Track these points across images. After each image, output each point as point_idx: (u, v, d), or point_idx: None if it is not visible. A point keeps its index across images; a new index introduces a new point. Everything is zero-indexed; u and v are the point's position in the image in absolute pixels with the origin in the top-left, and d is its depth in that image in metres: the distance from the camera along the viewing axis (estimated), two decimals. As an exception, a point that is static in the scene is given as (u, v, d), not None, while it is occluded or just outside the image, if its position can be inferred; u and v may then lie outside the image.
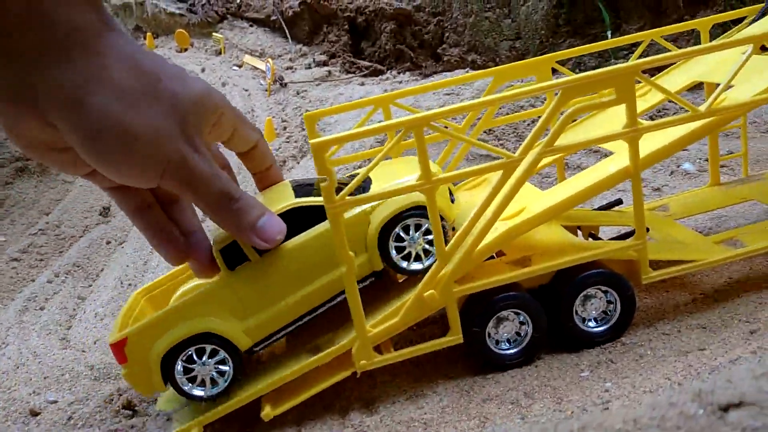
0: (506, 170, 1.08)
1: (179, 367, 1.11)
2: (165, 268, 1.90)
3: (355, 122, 1.80)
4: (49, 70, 0.81)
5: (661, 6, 2.89)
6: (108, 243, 2.20)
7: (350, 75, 3.03)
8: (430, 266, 1.12)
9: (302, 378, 1.15)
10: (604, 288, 1.20)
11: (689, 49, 1.14)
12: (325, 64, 3.15)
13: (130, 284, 1.87)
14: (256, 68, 3.22)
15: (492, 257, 1.23)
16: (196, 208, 1.08)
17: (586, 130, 1.47)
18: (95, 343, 1.58)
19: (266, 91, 2.95)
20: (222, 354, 1.12)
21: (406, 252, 1.14)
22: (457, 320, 1.14)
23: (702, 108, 1.11)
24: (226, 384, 1.14)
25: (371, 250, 1.14)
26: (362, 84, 2.85)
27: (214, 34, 3.61)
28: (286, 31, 3.42)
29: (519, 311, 1.17)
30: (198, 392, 1.13)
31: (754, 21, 1.50)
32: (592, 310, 1.19)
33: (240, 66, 3.38)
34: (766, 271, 1.31)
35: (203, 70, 3.32)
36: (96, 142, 0.84)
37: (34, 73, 0.81)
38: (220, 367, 1.13)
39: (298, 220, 1.11)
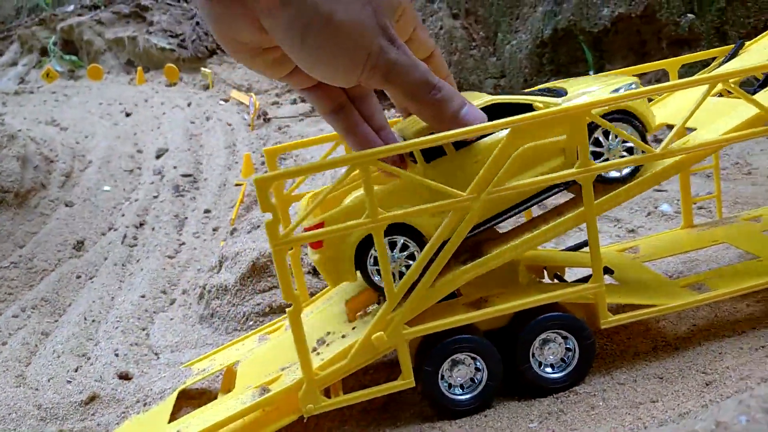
0: (457, 210, 1.05)
1: (371, 257, 1.11)
2: (130, 303, 1.86)
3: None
4: None
5: (645, 47, 2.91)
6: (78, 277, 2.17)
7: (334, 111, 3.04)
8: (626, 176, 1.12)
9: (250, 421, 1.11)
10: (563, 333, 1.17)
11: (646, 88, 1.12)
12: (310, 99, 3.16)
13: (93, 320, 1.83)
14: (242, 103, 3.23)
15: (452, 296, 1.20)
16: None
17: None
18: (49, 380, 1.54)
19: (249, 125, 2.95)
20: (412, 248, 1.11)
21: (602, 159, 1.11)
22: (408, 363, 1.10)
23: (658, 149, 1.09)
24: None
25: (569, 153, 1.10)
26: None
27: (202, 69, 3.64)
28: (274, 67, 3.45)
29: (474, 355, 1.14)
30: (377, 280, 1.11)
31: (723, 62, 1.49)
32: (549, 355, 1.16)
33: (226, 100, 3.40)
34: (730, 318, 1.28)
35: (189, 104, 3.34)
36: (306, 37, 0.86)
37: None
38: (410, 262, 1.11)
39: (495, 117, 1.06)
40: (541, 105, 1.12)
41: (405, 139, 1.11)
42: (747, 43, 1.52)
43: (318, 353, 1.16)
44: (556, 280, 1.39)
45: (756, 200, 1.93)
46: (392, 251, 1.10)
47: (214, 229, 2.21)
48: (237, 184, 2.38)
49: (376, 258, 1.09)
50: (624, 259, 1.46)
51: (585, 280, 1.35)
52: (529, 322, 1.15)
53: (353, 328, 1.18)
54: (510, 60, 3.02)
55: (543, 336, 1.16)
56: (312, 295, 1.48)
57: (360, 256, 1.11)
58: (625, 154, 1.12)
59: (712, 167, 1.60)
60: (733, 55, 1.47)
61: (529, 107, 1.12)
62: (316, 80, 0.99)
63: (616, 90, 1.15)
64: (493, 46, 3.12)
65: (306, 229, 1.10)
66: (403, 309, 1.08)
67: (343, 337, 1.16)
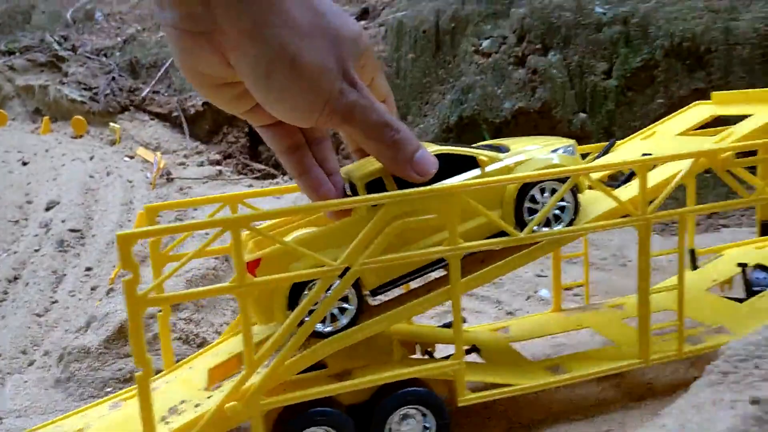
0: (324, 279, 1.06)
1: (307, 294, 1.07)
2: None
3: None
4: (232, 2, 0.83)
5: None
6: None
7: (241, 176, 3.03)
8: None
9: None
10: (423, 410, 1.17)
11: (507, 176, 1.17)
12: (218, 163, 3.15)
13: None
14: (148, 161, 3.18)
15: (321, 367, 1.18)
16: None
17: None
18: None
19: (151, 184, 2.89)
20: (347, 291, 1.09)
21: (537, 214, 1.15)
22: (261, 436, 1.07)
23: (522, 234, 1.14)
24: (346, 323, 1.11)
25: (507, 206, 1.17)
26: (250, 186, 2.85)
27: (111, 123, 3.57)
28: (185, 128, 3.43)
29: (330, 430, 1.12)
30: (317, 327, 1.09)
31: (597, 158, 1.60)
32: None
33: (132, 157, 3.33)
34: (584, 402, 1.33)
35: (92, 158, 3.24)
36: (270, 75, 0.87)
37: (218, 6, 0.83)
38: (344, 304, 1.10)
39: (445, 166, 1.10)
40: (484, 158, 1.17)
41: (351, 182, 1.14)
42: (618, 142, 1.64)
43: (167, 422, 1.10)
44: (426, 356, 1.41)
45: (626, 290, 2.03)
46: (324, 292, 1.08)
47: (93, 288, 2.11)
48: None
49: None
50: (493, 338, 1.49)
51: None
52: (388, 396, 1.15)
53: (208, 397, 1.14)
54: (425, 131, 3.14)
55: (402, 411, 1.16)
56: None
57: (294, 296, 1.10)
58: (557, 212, 1.18)
59: (582, 255, 1.69)
60: (605, 152, 1.59)
61: (473, 159, 1.17)
62: (275, 118, 1.00)
63: (555, 150, 1.22)
64: (406, 120, 3.24)
65: (248, 264, 1.08)
66: (260, 379, 1.05)
67: (197, 406, 1.12)
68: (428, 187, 1.09)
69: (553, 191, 1.17)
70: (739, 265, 1.58)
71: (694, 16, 2.74)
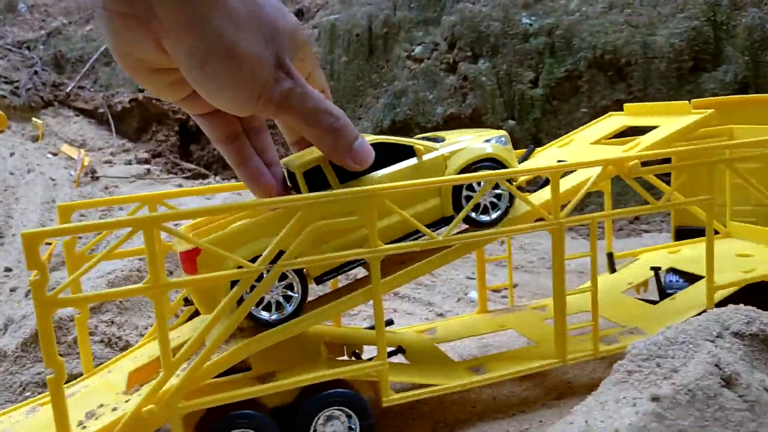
0: (244, 280, 1.05)
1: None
2: None
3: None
4: None
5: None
6: None
7: (170, 175, 2.97)
8: (495, 220, 1.21)
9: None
10: (347, 411, 1.18)
11: (406, 182, 1.20)
12: (146, 161, 3.07)
13: None
14: (72, 158, 3.07)
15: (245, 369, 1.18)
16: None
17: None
18: None
19: (74, 182, 2.79)
20: (290, 278, 1.11)
21: (475, 203, 1.18)
22: (181, 440, 1.05)
23: (440, 236, 1.17)
24: (291, 310, 1.12)
25: (445, 194, 1.19)
26: (179, 185, 2.80)
27: (34, 119, 3.43)
28: (112, 125, 3.33)
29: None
30: (263, 315, 1.11)
31: (519, 163, 1.65)
32: (330, 432, 1.16)
33: (56, 154, 3.21)
34: (507, 401, 1.37)
35: (12, 155, 3.11)
36: (206, 63, 0.87)
37: None
38: (288, 292, 1.11)
39: (382, 156, 1.13)
40: (421, 147, 1.19)
41: (290, 171, 1.15)
42: (537, 149, 1.70)
43: (84, 427, 1.08)
44: (353, 358, 1.42)
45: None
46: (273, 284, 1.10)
47: (12, 290, 2.02)
48: (47, 243, 2.21)
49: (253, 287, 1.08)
50: (419, 339, 1.52)
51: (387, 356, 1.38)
52: (312, 398, 1.15)
53: (127, 401, 1.12)
54: (351, 144, 3.15)
55: (327, 413, 1.17)
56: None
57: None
58: (493, 200, 1.22)
59: (506, 258, 1.74)
60: (525, 158, 1.64)
61: (410, 149, 1.19)
62: (211, 107, 0.98)
63: (488, 140, 1.24)
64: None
65: (181, 253, 1.09)
66: (178, 381, 1.04)
67: (114, 410, 1.10)
68: (347, 189, 1.11)
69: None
70: (652, 268, 1.67)
71: (615, 30, 2.87)
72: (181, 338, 1.26)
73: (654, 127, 1.45)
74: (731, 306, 1.07)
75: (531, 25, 2.93)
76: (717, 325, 1.00)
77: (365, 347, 1.42)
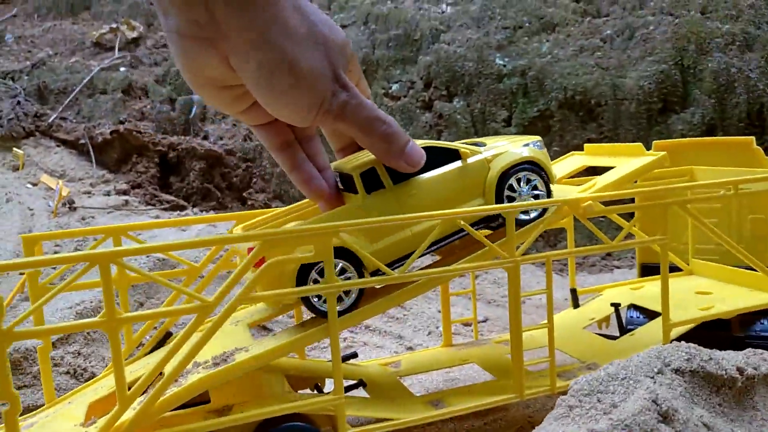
0: (200, 314, 1.07)
1: (313, 277, 1.14)
2: None
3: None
4: (237, 12, 0.91)
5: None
6: None
7: (149, 207, 2.99)
8: (535, 218, 1.28)
9: None
10: (304, 445, 1.19)
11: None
12: (125, 193, 3.09)
13: None
14: (51, 188, 3.08)
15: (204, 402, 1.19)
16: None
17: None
18: None
19: (52, 212, 2.81)
20: (350, 272, 1.17)
21: (516, 201, 1.27)
22: (133, 475, 1.06)
23: (396, 273, 1.20)
24: (350, 303, 1.18)
25: (488, 194, 1.26)
26: (157, 217, 2.81)
27: (14, 149, 3.45)
28: (92, 156, 3.35)
29: (208, 465, 1.12)
30: (324, 308, 1.15)
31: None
32: (287, 467, 1.17)
33: (35, 184, 3.22)
34: (465, 434, 1.38)
35: (-9, 184, 3.12)
36: (272, 77, 0.96)
37: (223, 15, 0.91)
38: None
39: (430, 159, 1.20)
40: (467, 151, 1.27)
41: (342, 174, 1.22)
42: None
43: (38, 459, 1.08)
44: (315, 391, 1.44)
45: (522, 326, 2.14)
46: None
47: (-19, 319, 2.02)
48: (21, 273, 2.22)
49: (315, 281, 1.14)
50: (382, 372, 1.54)
51: (347, 389, 1.40)
52: (269, 431, 1.16)
53: (83, 433, 1.12)
54: (329, 178, 3.20)
55: (284, 447, 1.18)
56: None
57: (301, 279, 1.14)
58: (531, 199, 1.30)
59: (470, 292, 1.77)
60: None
61: (456, 152, 1.27)
62: (268, 118, 1.09)
63: (526, 144, 1.33)
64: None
65: (249, 249, 1.13)
66: (133, 415, 1.05)
67: (69, 442, 1.10)
68: (302, 227, 1.13)
69: (528, 180, 1.30)
70: (612, 304, 1.70)
71: (586, 72, 2.96)
72: (142, 371, 1.27)
73: (611, 168, 1.50)
74: (673, 343, 1.10)
75: (504, 66, 3.01)
76: (658, 362, 1.03)
77: (328, 380, 1.43)
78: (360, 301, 1.21)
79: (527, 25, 3.35)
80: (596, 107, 2.90)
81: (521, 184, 1.30)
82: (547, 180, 1.33)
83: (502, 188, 1.28)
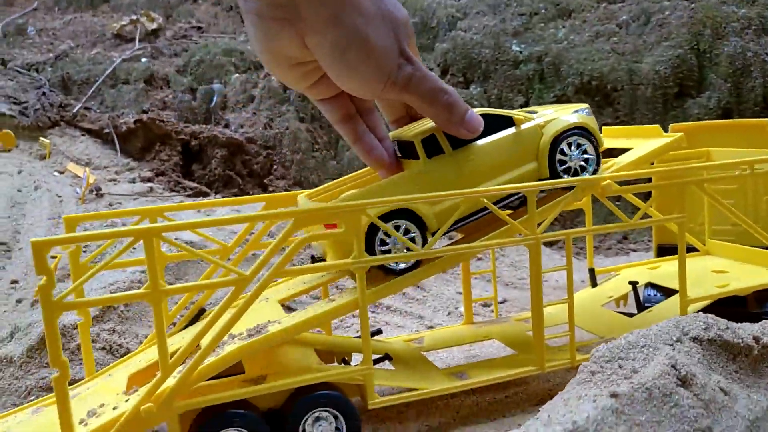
0: (237, 287, 1.13)
1: (380, 236, 1.22)
2: None
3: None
4: None
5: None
6: None
7: (173, 193, 3.05)
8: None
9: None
10: (334, 412, 1.24)
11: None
12: (149, 180, 3.16)
13: None
14: (78, 176, 3.16)
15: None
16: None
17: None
18: None
19: (80, 199, 2.88)
20: (413, 232, 1.25)
21: (566, 166, 1.35)
22: (177, 438, 1.12)
23: (422, 250, 1.25)
24: (413, 262, 1.26)
25: (542, 158, 1.34)
26: (181, 202, 2.88)
27: (41, 138, 3.53)
28: (117, 144, 3.42)
29: (245, 431, 1.18)
30: (392, 265, 1.25)
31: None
32: (319, 432, 1.23)
33: (62, 172, 3.30)
34: (489, 407, 1.44)
35: (20, 172, 3.20)
36: (346, 53, 1.04)
37: None
38: (411, 244, 1.23)
39: (486, 125, 1.28)
40: (521, 117, 1.36)
41: (402, 142, 1.31)
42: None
43: (86, 425, 1.14)
44: (342, 365, 1.49)
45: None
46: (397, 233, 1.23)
47: (18, 301, 2.09)
48: (52, 257, 2.29)
49: (382, 240, 1.23)
50: (406, 348, 1.59)
51: (375, 362, 1.45)
52: (301, 399, 1.22)
53: (126, 401, 1.19)
54: (348, 165, 3.24)
55: (315, 413, 1.23)
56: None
57: (369, 240, 1.22)
58: (582, 164, 1.37)
59: (490, 272, 1.82)
60: None
61: (510, 119, 1.35)
62: (333, 92, 1.18)
63: (576, 111, 1.41)
64: (335, 150, 3.34)
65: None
66: (175, 382, 1.11)
67: (115, 408, 1.16)
68: (331, 205, 1.19)
69: (578, 145, 1.37)
70: (630, 283, 1.74)
71: (602, 58, 2.98)
72: (178, 344, 1.33)
73: (628, 149, 1.53)
74: (691, 314, 1.14)
75: (521, 52, 3.04)
76: (677, 331, 1.07)
77: (354, 355, 1.49)
78: (421, 261, 1.28)
79: (543, 11, 3.37)
80: (612, 92, 2.92)
81: (572, 148, 1.36)
82: (596, 144, 1.39)
83: (554, 153, 1.35)
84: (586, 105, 1.47)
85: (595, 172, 1.39)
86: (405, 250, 1.24)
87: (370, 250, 1.22)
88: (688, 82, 2.95)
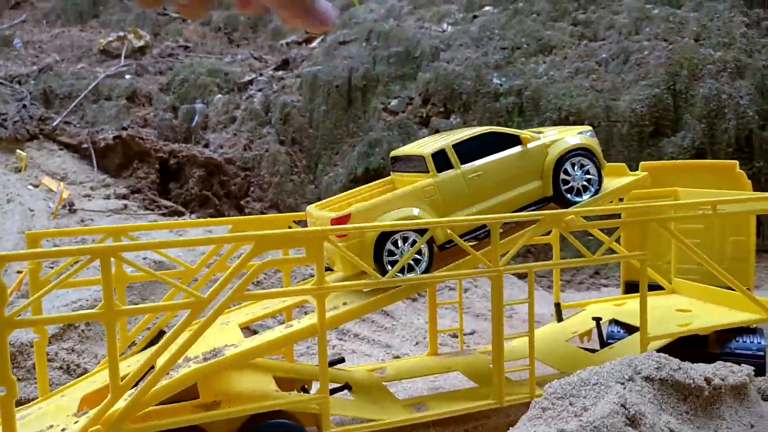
0: (194, 309, 1.12)
1: (388, 246, 1.25)
2: None
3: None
4: None
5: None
6: None
7: (147, 211, 3.03)
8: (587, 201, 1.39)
9: None
10: (288, 441, 1.23)
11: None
12: (124, 197, 3.13)
13: None
14: (52, 190, 3.13)
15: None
16: None
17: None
18: None
19: (52, 214, 2.85)
20: (421, 244, 1.27)
21: (569, 185, 1.40)
22: (123, 462, 1.10)
23: (384, 278, 1.25)
24: (421, 272, 1.28)
25: (546, 177, 1.39)
26: (154, 221, 2.86)
27: (18, 151, 3.50)
28: (94, 160, 3.40)
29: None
30: (398, 276, 1.25)
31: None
32: (270, 461, 1.21)
33: (37, 186, 3.27)
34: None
35: (-7, 184, 3.17)
36: None
37: None
38: (417, 256, 1.27)
39: (494, 143, 1.36)
40: (527, 136, 1.40)
41: (406, 158, 1.45)
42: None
43: (32, 446, 1.12)
44: (301, 392, 1.47)
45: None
46: (403, 245, 1.27)
47: (-21, 315, 2.06)
48: (18, 271, 2.27)
49: (390, 251, 1.26)
50: (367, 377, 1.58)
51: (333, 391, 1.44)
52: (256, 427, 1.21)
53: (75, 422, 1.16)
54: (326, 189, 3.25)
55: (268, 443, 1.22)
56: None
57: (378, 247, 1.25)
58: (585, 184, 1.42)
59: (456, 303, 1.82)
60: None
61: (517, 138, 1.40)
62: None
63: (580, 133, 1.46)
64: (313, 174, 3.35)
65: (332, 220, 1.25)
66: (126, 404, 1.09)
67: (63, 430, 1.14)
68: (295, 230, 1.20)
69: (582, 165, 1.42)
70: (594, 318, 1.75)
71: (580, 94, 3.03)
72: (134, 366, 1.31)
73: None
74: (645, 353, 1.15)
75: (501, 85, 3.08)
76: (629, 369, 1.08)
77: (315, 383, 1.47)
78: (428, 272, 1.31)
79: (525, 46, 3.43)
80: (589, 128, 2.97)
81: (575, 168, 1.41)
82: (598, 166, 1.44)
83: (559, 172, 1.40)
84: (589, 127, 1.53)
85: (596, 192, 1.43)
86: (413, 262, 1.29)
87: (379, 259, 1.26)
88: (664, 122, 3.00)
